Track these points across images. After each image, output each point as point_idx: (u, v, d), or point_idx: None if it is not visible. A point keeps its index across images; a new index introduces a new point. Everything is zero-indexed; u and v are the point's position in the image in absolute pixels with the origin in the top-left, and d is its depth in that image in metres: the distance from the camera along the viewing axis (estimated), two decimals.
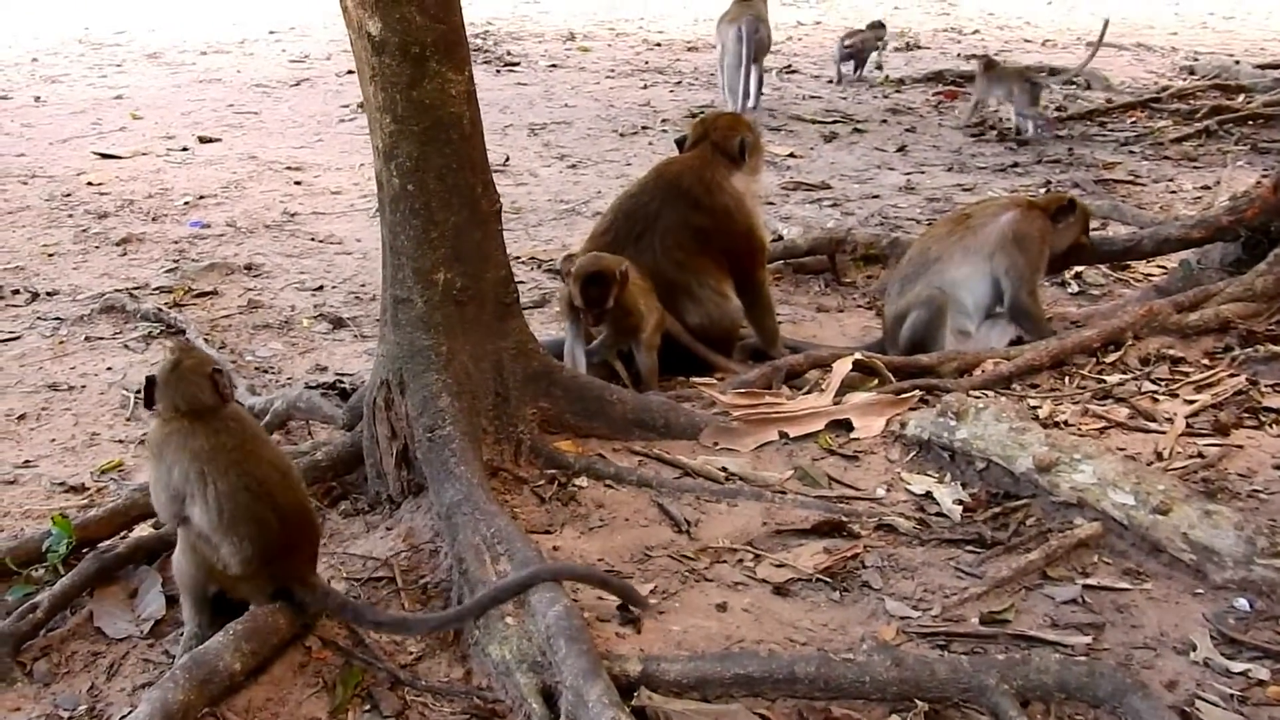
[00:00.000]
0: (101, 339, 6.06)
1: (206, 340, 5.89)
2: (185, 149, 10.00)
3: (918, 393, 4.46)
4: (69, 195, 8.59)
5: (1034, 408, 4.43)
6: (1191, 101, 11.01)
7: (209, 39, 15.60)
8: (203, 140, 10.27)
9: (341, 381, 5.38)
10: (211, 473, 3.19)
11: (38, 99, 11.99)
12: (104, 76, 13.29)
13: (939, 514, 3.86)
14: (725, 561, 3.66)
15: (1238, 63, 12.75)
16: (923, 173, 9.28)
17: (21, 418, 5.19)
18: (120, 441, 4.99)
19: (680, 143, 5.52)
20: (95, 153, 9.78)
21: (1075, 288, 6.48)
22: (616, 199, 5.58)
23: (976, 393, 4.48)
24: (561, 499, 3.95)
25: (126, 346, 5.96)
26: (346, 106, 11.66)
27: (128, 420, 5.17)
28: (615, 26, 17.33)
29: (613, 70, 13.95)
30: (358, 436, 4.21)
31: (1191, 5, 19.34)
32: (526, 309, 4.83)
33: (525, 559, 3.35)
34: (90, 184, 8.84)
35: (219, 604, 3.38)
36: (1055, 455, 3.75)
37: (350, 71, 13.55)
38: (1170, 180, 8.71)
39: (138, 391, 5.39)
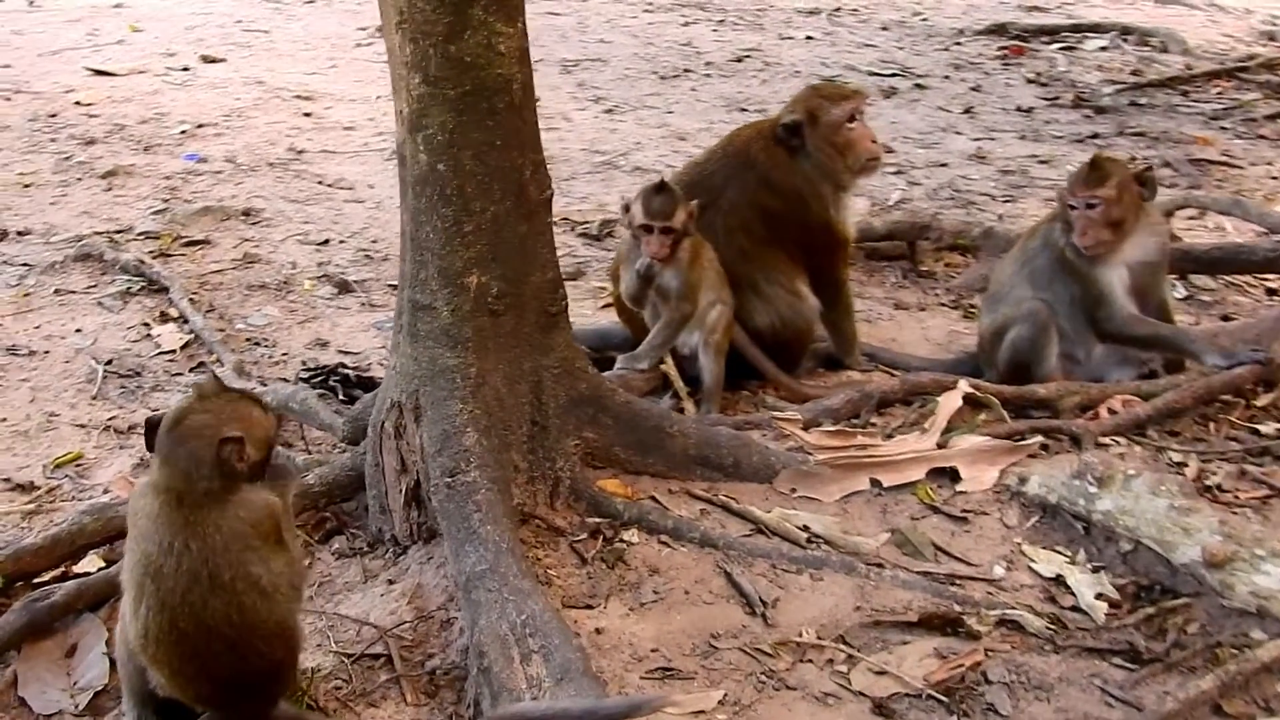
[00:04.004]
0: (73, 293, 5.29)
1: (193, 301, 5.14)
2: (186, 69, 9.11)
3: (1038, 438, 3.69)
4: (54, 116, 7.75)
5: (1178, 464, 3.66)
6: None
7: None
8: (206, 60, 9.39)
9: (345, 365, 4.68)
10: (146, 581, 2.51)
11: (31, 3, 11.09)
12: None
13: (1075, 608, 3.13)
14: (811, 661, 2.95)
15: None
16: (993, 139, 8.41)
17: None
18: (82, 426, 4.26)
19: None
20: (88, 68, 8.91)
21: (1183, 291, 5.68)
22: (681, 167, 4.76)
23: (1107, 440, 3.73)
24: (607, 559, 3.22)
25: (101, 304, 5.19)
26: (364, 29, 10.75)
27: (93, 399, 4.44)
28: None
29: (651, 3, 12.99)
30: (359, 458, 3.46)
31: None
32: None
33: (564, 662, 2.63)
34: (79, 104, 8.00)
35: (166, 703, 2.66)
36: (1232, 549, 3.00)
37: None
38: (1270, 164, 7.83)
39: (108, 363, 4.66)
